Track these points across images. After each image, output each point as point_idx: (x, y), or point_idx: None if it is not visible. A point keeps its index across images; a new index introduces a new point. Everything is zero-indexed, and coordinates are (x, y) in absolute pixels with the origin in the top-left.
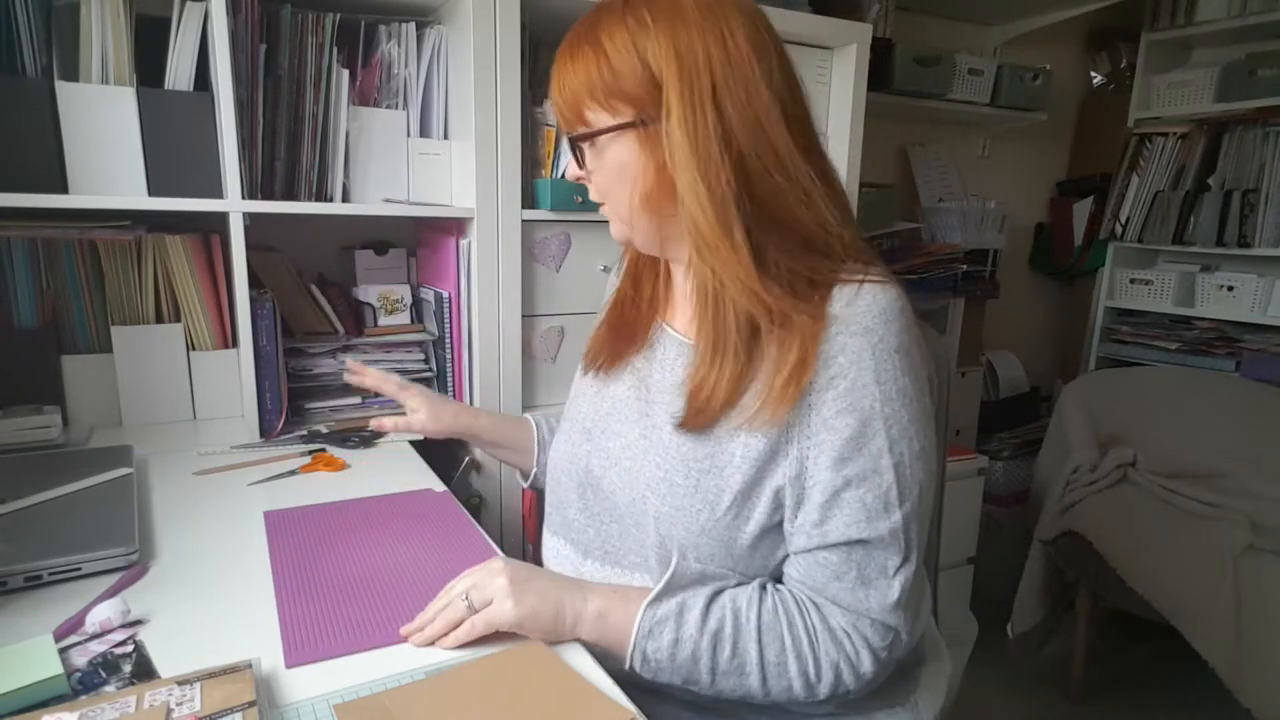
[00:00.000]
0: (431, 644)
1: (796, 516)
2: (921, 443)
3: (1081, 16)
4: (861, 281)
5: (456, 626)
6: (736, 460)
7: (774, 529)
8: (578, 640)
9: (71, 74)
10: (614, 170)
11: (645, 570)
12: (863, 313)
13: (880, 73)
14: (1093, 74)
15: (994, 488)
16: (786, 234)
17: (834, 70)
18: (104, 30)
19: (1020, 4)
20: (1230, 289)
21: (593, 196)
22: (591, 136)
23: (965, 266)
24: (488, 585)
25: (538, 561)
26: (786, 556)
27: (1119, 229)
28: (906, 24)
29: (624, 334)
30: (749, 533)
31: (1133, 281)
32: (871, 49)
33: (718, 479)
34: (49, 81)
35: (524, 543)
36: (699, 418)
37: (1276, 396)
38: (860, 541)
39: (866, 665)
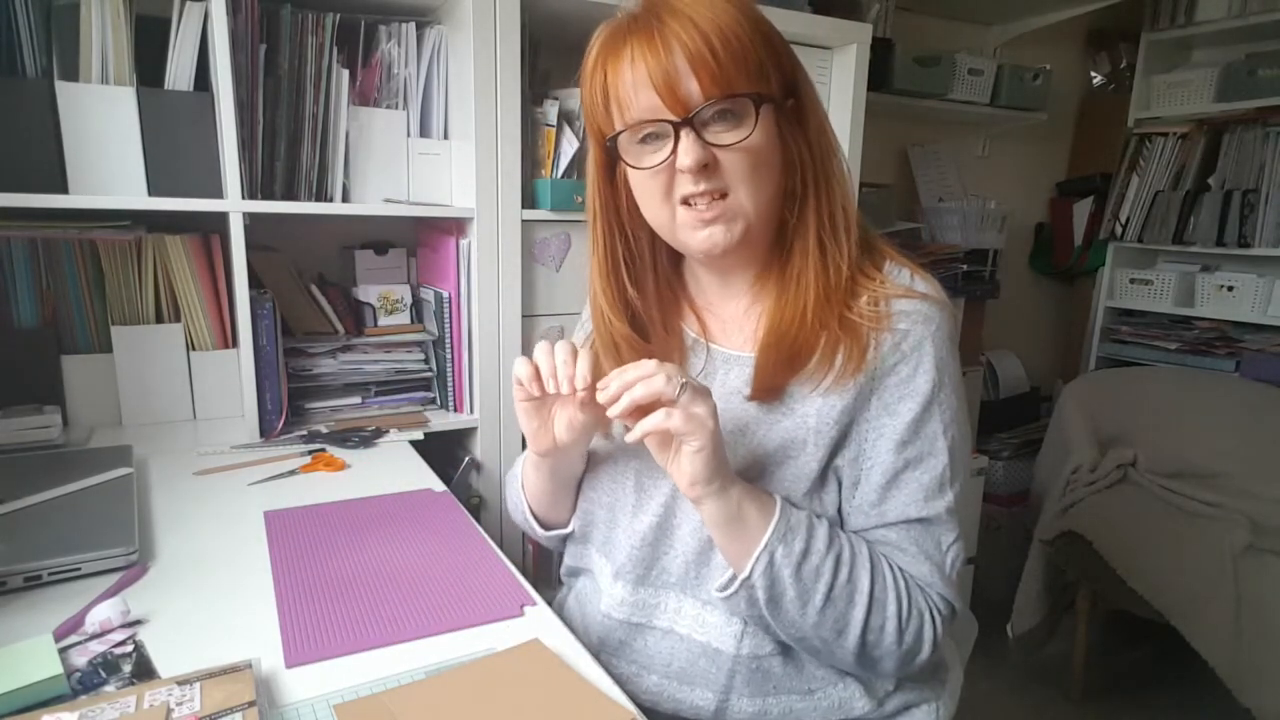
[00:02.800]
0: (621, 411)
1: (854, 496)
2: (966, 426)
3: (1081, 16)
4: (913, 272)
5: (651, 401)
6: (810, 447)
7: (837, 513)
8: (700, 506)
9: (71, 74)
10: (767, 147)
11: (680, 589)
12: (920, 301)
13: (880, 73)
14: (1093, 74)
15: (994, 488)
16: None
17: (834, 70)
18: (104, 30)
19: (1020, 4)
20: (1230, 289)
21: (710, 185)
22: (770, 101)
23: (965, 266)
24: (701, 394)
25: (555, 564)
26: None
27: (1119, 229)
28: (906, 24)
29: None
30: (827, 518)
31: (1133, 281)
32: (871, 49)
33: (793, 468)
34: (49, 81)
35: (524, 543)
36: (778, 349)
37: (1276, 396)
38: (919, 520)
39: (939, 627)
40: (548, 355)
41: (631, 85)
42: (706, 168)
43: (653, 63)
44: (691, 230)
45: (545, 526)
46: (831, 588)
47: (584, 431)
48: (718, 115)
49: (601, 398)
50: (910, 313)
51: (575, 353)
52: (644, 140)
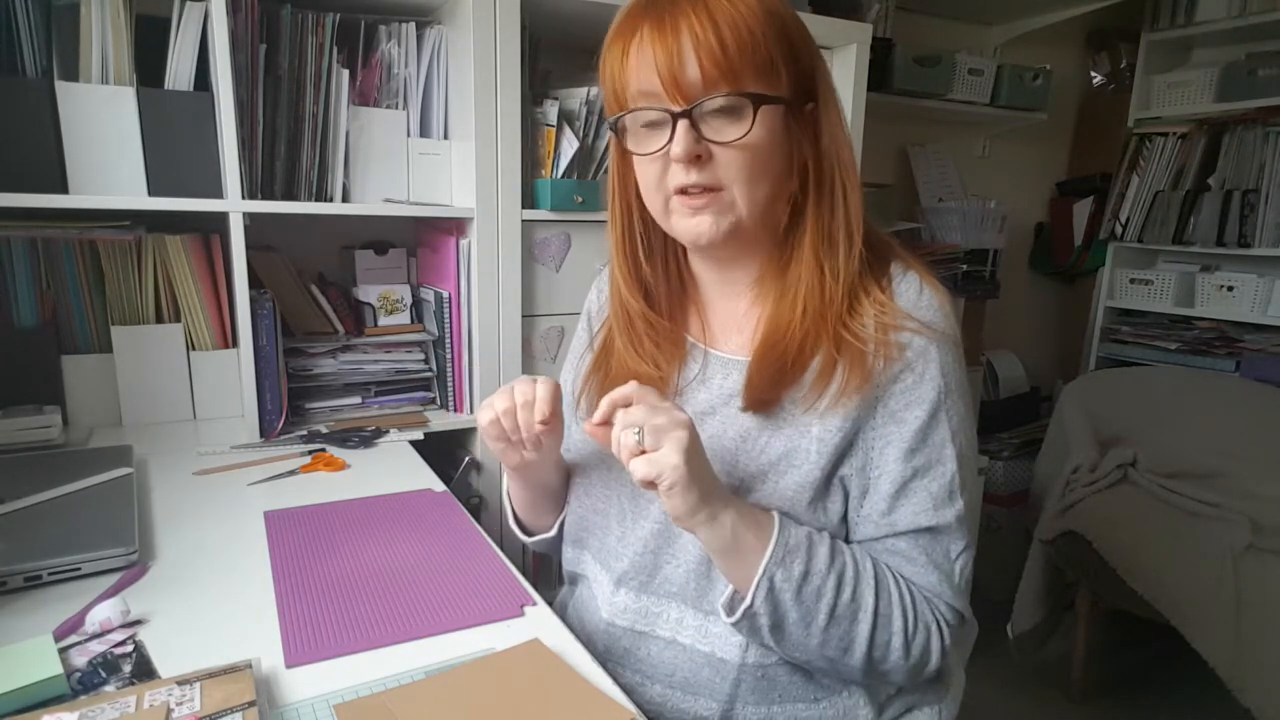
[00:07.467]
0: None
1: (862, 506)
2: (973, 432)
3: (1081, 16)
4: (921, 276)
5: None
6: (813, 455)
7: (842, 521)
8: (695, 534)
9: (71, 74)
10: (766, 148)
11: (682, 600)
12: (925, 306)
13: (880, 73)
14: (1093, 74)
15: (994, 488)
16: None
17: (834, 70)
18: (104, 30)
19: (1020, 4)
20: (1230, 289)
21: (701, 179)
22: (772, 101)
23: (965, 266)
24: (667, 430)
25: (557, 572)
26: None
27: (1119, 229)
28: (906, 24)
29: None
30: (831, 527)
31: (1133, 281)
32: (871, 49)
33: (796, 477)
34: (49, 81)
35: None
36: (768, 359)
37: (1276, 396)
38: (928, 529)
39: (946, 638)
40: (507, 398)
41: (636, 68)
42: (699, 159)
43: (659, 48)
44: (681, 218)
45: (530, 532)
46: (834, 607)
47: (549, 449)
48: (717, 110)
49: (587, 428)
50: (916, 318)
51: (534, 387)
52: (646, 125)
